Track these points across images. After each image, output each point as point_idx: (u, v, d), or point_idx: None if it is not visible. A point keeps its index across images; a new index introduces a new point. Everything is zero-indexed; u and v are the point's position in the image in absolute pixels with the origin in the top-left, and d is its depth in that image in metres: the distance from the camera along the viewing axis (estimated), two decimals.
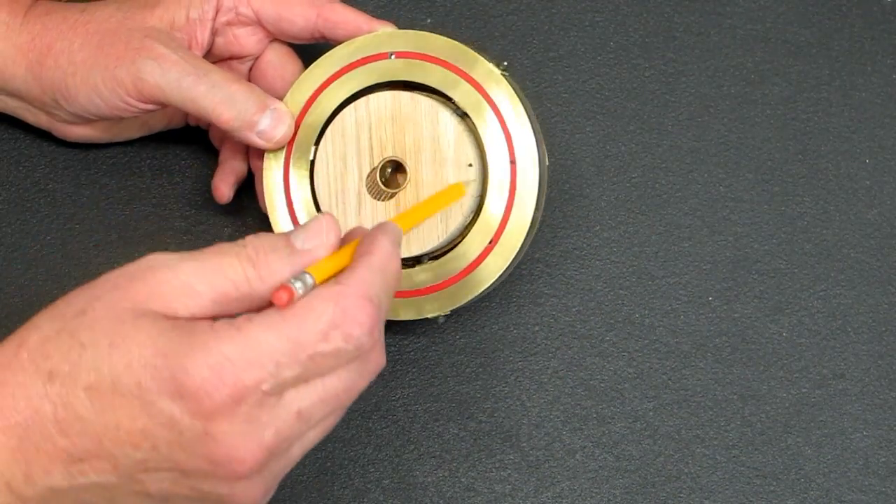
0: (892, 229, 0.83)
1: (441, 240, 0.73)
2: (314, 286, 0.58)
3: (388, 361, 0.80)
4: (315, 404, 0.59)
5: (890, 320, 0.81)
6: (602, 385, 0.80)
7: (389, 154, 0.74)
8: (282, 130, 0.74)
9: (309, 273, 0.58)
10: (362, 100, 0.74)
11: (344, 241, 0.63)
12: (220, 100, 0.73)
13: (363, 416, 0.79)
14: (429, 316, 0.74)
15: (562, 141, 0.85)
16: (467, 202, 0.73)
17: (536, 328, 0.81)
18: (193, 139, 0.82)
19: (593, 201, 0.84)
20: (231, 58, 0.79)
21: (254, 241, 0.60)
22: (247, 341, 0.56)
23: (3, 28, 0.76)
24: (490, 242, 0.74)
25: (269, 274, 0.59)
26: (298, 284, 0.58)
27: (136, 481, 0.58)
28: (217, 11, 0.76)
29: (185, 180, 0.83)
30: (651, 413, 0.79)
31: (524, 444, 0.78)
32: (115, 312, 0.57)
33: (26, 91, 0.77)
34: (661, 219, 0.83)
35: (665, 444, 0.78)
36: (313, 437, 0.61)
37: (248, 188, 0.81)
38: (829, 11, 0.88)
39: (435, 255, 0.74)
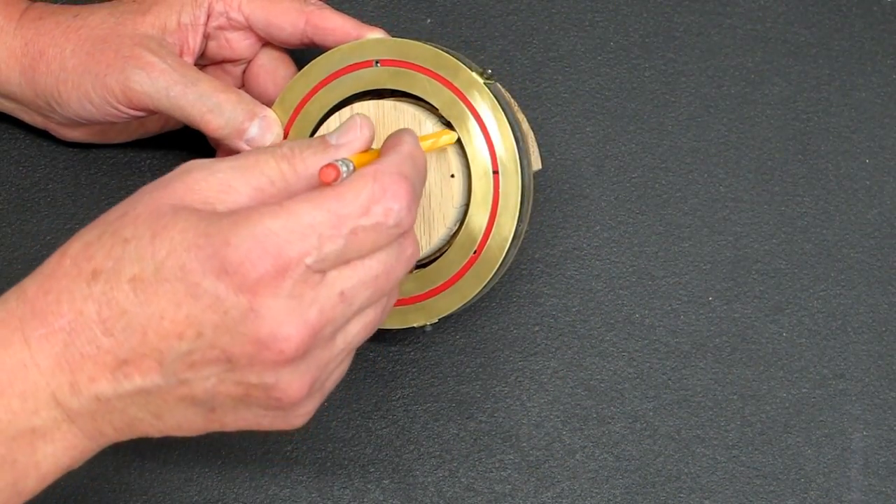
0: (892, 229, 0.83)
1: (425, 250, 0.73)
2: (354, 171, 0.60)
3: (388, 362, 0.80)
4: (356, 286, 0.60)
5: (890, 320, 0.81)
6: (602, 385, 0.80)
7: None
8: (270, 138, 0.74)
9: (350, 160, 0.60)
10: (347, 108, 0.74)
11: None
12: (207, 109, 0.73)
13: (363, 415, 0.79)
14: (415, 325, 0.74)
15: (562, 141, 0.85)
16: (450, 212, 0.73)
17: (536, 328, 0.81)
18: (193, 139, 0.82)
19: (593, 201, 0.84)
20: (224, 61, 0.79)
21: (290, 142, 0.62)
22: (290, 215, 0.58)
23: None
24: (474, 253, 0.73)
25: (304, 168, 0.61)
26: (343, 166, 0.59)
27: (181, 382, 0.58)
28: (208, 16, 0.76)
29: None
30: (651, 413, 0.79)
31: (524, 444, 0.78)
32: (155, 208, 0.59)
33: (21, 94, 0.77)
34: (661, 219, 0.83)
35: (665, 444, 0.78)
36: (355, 330, 0.61)
37: None
38: (829, 11, 0.88)
39: (420, 264, 0.74)
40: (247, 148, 0.74)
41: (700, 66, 0.87)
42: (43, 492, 0.62)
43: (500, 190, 0.73)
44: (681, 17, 0.88)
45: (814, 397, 0.79)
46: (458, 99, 0.73)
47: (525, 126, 0.76)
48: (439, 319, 0.74)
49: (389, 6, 0.87)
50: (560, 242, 0.83)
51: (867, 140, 0.85)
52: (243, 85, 0.80)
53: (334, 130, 0.64)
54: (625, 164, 0.84)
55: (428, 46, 0.74)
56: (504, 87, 0.75)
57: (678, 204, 0.84)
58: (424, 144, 0.72)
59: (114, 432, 0.60)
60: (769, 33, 0.87)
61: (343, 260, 0.59)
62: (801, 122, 0.85)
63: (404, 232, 0.61)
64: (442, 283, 0.73)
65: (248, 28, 0.77)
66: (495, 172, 0.73)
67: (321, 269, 0.58)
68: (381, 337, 0.76)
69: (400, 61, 0.74)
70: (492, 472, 0.78)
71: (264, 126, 0.74)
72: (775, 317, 0.81)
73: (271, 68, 0.78)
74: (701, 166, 0.84)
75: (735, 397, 0.79)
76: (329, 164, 0.59)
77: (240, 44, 0.78)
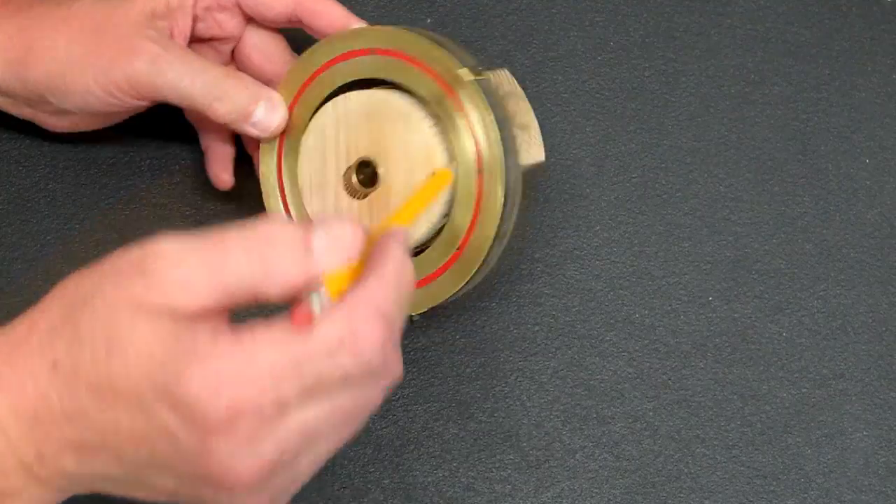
0: (892, 229, 0.83)
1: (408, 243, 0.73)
2: (329, 302, 0.56)
3: None
4: (321, 421, 0.56)
5: (890, 320, 0.81)
6: (602, 385, 0.80)
7: (363, 153, 0.74)
8: (276, 119, 0.74)
9: (326, 289, 0.56)
10: (342, 97, 0.74)
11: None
12: (214, 97, 0.73)
13: None
14: None
15: (562, 141, 0.85)
16: (434, 209, 0.73)
17: (536, 328, 0.81)
18: (193, 139, 0.82)
19: (593, 201, 0.84)
20: (212, 39, 0.79)
21: (267, 231, 0.56)
22: (247, 357, 0.54)
23: None
24: (457, 249, 0.72)
25: (278, 274, 0.56)
26: (316, 305, 0.55)
27: (142, 477, 0.57)
28: None
29: (185, 180, 0.83)
30: (651, 413, 0.79)
31: (524, 444, 0.78)
32: (114, 306, 0.56)
33: (6, 87, 0.76)
34: (661, 219, 0.83)
35: (665, 444, 0.78)
36: (324, 450, 0.58)
37: (248, 186, 0.81)
38: (829, 11, 0.88)
39: None
40: (254, 131, 0.74)
41: (700, 66, 0.87)
42: None
43: (484, 190, 0.72)
44: (681, 17, 0.88)
45: (814, 397, 0.80)
46: (445, 94, 0.72)
47: (525, 119, 0.76)
48: (424, 312, 0.74)
49: (389, 6, 0.88)
50: (560, 242, 0.83)
51: (867, 140, 0.85)
52: (233, 62, 0.80)
53: (323, 229, 0.57)
54: (625, 164, 0.84)
55: (423, 38, 0.73)
56: (470, 60, 0.74)
57: (678, 204, 0.84)
58: (423, 197, 0.71)
59: (82, 490, 0.60)
60: (769, 33, 0.87)
61: (305, 398, 0.55)
62: (801, 122, 0.85)
63: (377, 368, 0.56)
64: (423, 277, 0.73)
65: (236, 6, 0.77)
66: (479, 172, 0.72)
67: (280, 412, 0.55)
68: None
69: (395, 51, 0.74)
70: (492, 472, 0.78)
71: (269, 108, 0.74)
72: (775, 317, 0.81)
73: (264, 47, 0.79)
74: (701, 166, 0.84)
75: (735, 397, 0.79)
76: (302, 307, 0.55)
77: (228, 23, 0.77)
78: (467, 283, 0.73)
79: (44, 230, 0.82)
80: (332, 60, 0.75)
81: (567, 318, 0.81)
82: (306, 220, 0.75)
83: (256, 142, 0.77)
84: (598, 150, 0.85)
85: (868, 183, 0.84)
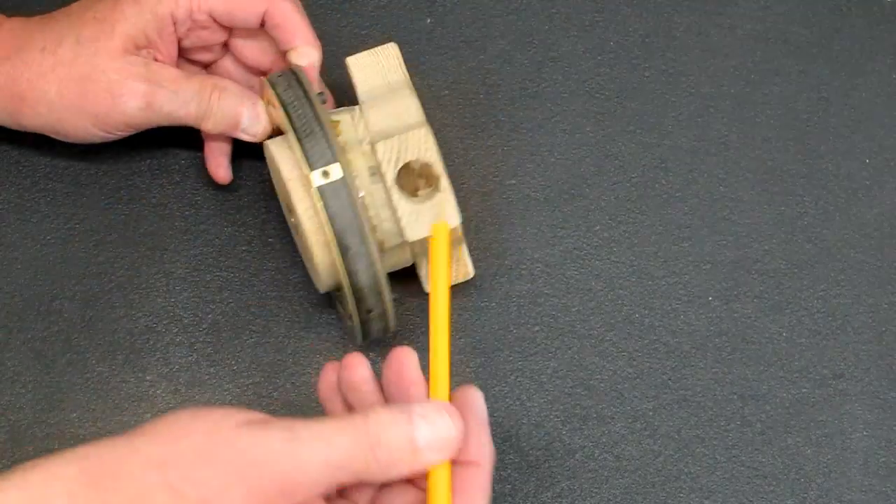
0: (892, 229, 0.83)
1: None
2: None
3: None
4: None
5: (890, 320, 0.81)
6: (602, 385, 0.80)
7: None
8: (260, 128, 0.78)
9: None
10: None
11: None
12: (202, 116, 0.77)
13: None
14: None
15: (562, 141, 0.85)
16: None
17: (536, 328, 0.81)
18: (193, 139, 0.82)
19: (593, 201, 0.84)
20: (201, 49, 0.80)
21: (376, 430, 0.59)
22: None
23: None
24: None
25: (389, 470, 0.60)
26: None
27: None
28: (175, 24, 0.77)
29: (185, 180, 0.83)
30: (651, 413, 0.79)
31: (524, 444, 0.78)
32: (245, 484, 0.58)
33: (7, 126, 0.79)
34: (661, 219, 0.83)
35: (665, 444, 0.78)
36: None
37: (247, 184, 0.81)
38: (829, 11, 0.88)
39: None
40: (246, 136, 0.78)
41: (700, 66, 0.87)
42: None
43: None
44: (681, 17, 0.88)
45: (814, 397, 0.79)
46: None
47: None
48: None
49: (389, 6, 0.88)
50: (560, 242, 0.83)
51: (867, 140, 0.85)
52: (228, 52, 0.81)
53: (422, 425, 0.60)
54: (625, 164, 0.84)
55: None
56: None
57: (678, 204, 0.84)
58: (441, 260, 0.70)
59: None
60: (769, 33, 0.87)
61: None
62: (801, 122, 0.85)
63: None
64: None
65: (213, 21, 0.78)
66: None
67: None
68: (381, 338, 0.76)
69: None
70: None
71: (252, 116, 0.77)
72: (775, 317, 0.81)
73: (256, 43, 0.80)
74: (701, 166, 0.84)
75: (735, 397, 0.79)
76: None
77: (211, 36, 0.79)
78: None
79: (44, 230, 0.82)
80: None
81: (567, 318, 0.81)
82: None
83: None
84: (598, 150, 0.85)
85: (868, 183, 0.84)
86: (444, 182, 0.72)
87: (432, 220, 0.72)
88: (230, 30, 0.80)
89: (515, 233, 0.83)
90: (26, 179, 0.83)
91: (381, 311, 0.73)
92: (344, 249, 0.70)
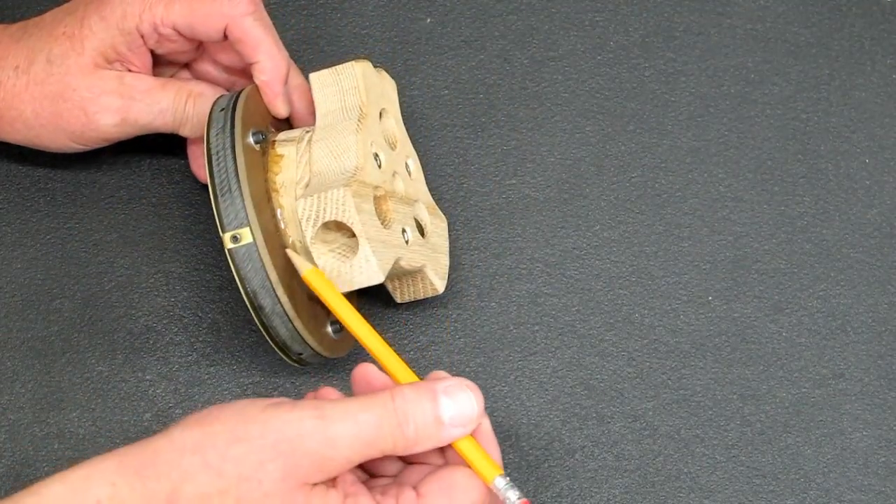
0: (892, 229, 0.83)
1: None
2: None
3: None
4: None
5: (889, 320, 0.81)
6: (601, 385, 0.80)
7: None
8: None
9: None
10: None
11: None
12: (178, 122, 0.77)
13: None
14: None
15: (562, 141, 0.85)
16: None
17: (536, 328, 0.81)
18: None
19: (593, 201, 0.84)
20: (177, 56, 0.80)
21: (402, 406, 0.61)
22: None
23: None
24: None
25: (414, 445, 0.61)
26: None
27: None
28: (143, 37, 0.77)
29: (185, 180, 0.83)
30: (651, 413, 0.79)
31: (523, 444, 0.78)
32: (285, 493, 0.59)
33: None
34: (661, 219, 0.83)
35: (665, 443, 0.78)
36: None
37: None
38: (829, 11, 0.88)
39: None
40: None
41: (700, 66, 0.87)
42: None
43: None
44: (681, 17, 0.88)
45: (813, 397, 0.79)
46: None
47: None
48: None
49: (389, 6, 0.88)
50: (560, 242, 0.83)
51: (867, 140, 0.85)
52: (204, 51, 0.81)
53: (448, 398, 0.62)
54: (625, 164, 0.84)
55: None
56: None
57: (678, 204, 0.84)
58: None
59: None
60: (769, 33, 0.87)
61: None
62: (801, 122, 0.85)
63: None
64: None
65: (179, 35, 0.77)
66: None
67: None
68: (382, 330, 0.76)
69: None
70: None
71: None
72: (775, 317, 0.81)
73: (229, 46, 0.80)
74: (701, 166, 0.84)
75: (735, 397, 0.79)
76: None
77: (182, 47, 0.79)
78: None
79: (44, 230, 0.82)
80: None
81: (567, 318, 0.81)
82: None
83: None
84: (598, 150, 0.85)
85: (868, 183, 0.84)
86: (363, 243, 0.71)
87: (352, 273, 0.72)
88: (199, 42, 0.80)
89: (515, 233, 0.83)
90: (26, 179, 0.83)
91: (311, 352, 0.73)
92: (258, 308, 0.71)
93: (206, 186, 0.82)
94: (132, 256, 0.82)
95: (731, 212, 0.83)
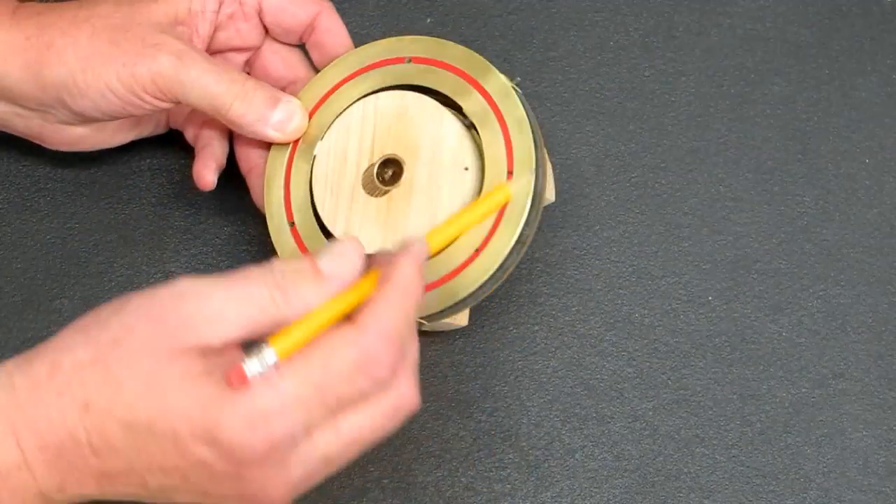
0: (892, 229, 0.83)
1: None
2: (274, 364, 0.59)
3: None
4: (342, 449, 0.61)
5: (889, 320, 0.81)
6: (602, 385, 0.80)
7: (389, 151, 0.74)
8: (296, 122, 0.76)
9: (270, 347, 0.59)
10: (371, 97, 0.75)
11: (372, 264, 0.64)
12: (235, 97, 0.74)
13: None
14: None
15: (562, 141, 0.85)
16: (457, 207, 0.72)
17: (536, 328, 0.81)
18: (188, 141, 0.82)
19: (593, 201, 0.84)
20: (230, 50, 0.79)
21: (280, 266, 0.61)
22: (276, 393, 0.58)
23: None
24: (475, 251, 0.72)
25: (296, 298, 0.61)
26: (256, 365, 0.59)
27: (164, 496, 0.61)
28: (221, 3, 0.76)
29: (185, 180, 0.83)
30: (651, 413, 0.79)
31: (524, 444, 0.78)
32: (150, 350, 0.59)
33: (19, 91, 0.75)
34: (661, 219, 0.83)
35: (665, 443, 0.78)
36: (335, 468, 0.63)
37: (246, 187, 0.81)
38: (829, 11, 0.88)
39: None
40: (273, 134, 0.75)
41: (700, 66, 0.87)
42: None
43: (511, 194, 0.72)
44: (681, 17, 0.88)
45: (813, 397, 0.79)
46: (483, 99, 0.73)
47: (543, 146, 0.75)
48: (433, 328, 0.74)
49: (389, 6, 0.88)
50: (560, 242, 0.83)
51: (867, 140, 0.85)
52: (250, 73, 0.81)
53: (325, 252, 0.63)
54: (625, 164, 0.84)
55: (462, 47, 0.74)
56: (504, 72, 0.75)
57: (678, 204, 0.84)
58: (480, 211, 0.71)
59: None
60: (769, 33, 0.87)
61: (329, 422, 0.60)
62: (801, 122, 0.85)
63: (393, 386, 0.61)
64: (439, 278, 0.73)
65: (258, 16, 0.77)
66: (509, 173, 0.72)
67: (307, 434, 0.60)
68: None
69: (432, 59, 0.75)
70: (491, 471, 0.78)
71: (288, 111, 0.75)
72: (775, 316, 0.81)
73: (285, 54, 0.80)
74: (701, 166, 0.84)
75: (735, 397, 0.79)
76: (237, 368, 0.58)
77: (249, 33, 0.78)
78: (483, 285, 0.73)
79: (44, 230, 0.82)
80: (363, 69, 0.76)
81: (567, 318, 0.81)
82: (310, 227, 0.76)
83: (252, 160, 0.78)
84: (598, 150, 0.85)
85: (868, 183, 0.84)
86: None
87: None
88: (264, 37, 0.79)
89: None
90: (26, 179, 0.83)
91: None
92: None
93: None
94: (132, 256, 0.82)
95: (731, 212, 0.83)
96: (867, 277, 0.82)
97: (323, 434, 0.60)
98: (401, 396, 0.62)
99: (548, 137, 0.85)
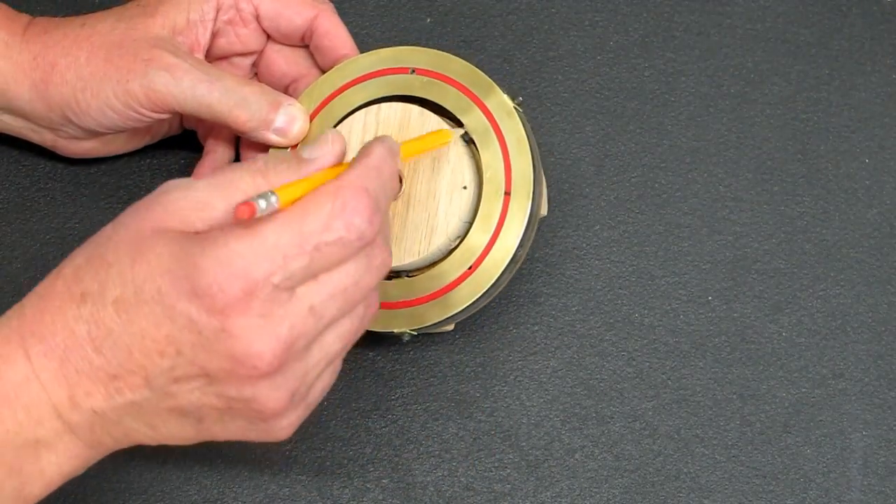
0: (891, 229, 0.83)
1: (421, 256, 0.73)
2: (277, 206, 0.60)
3: (387, 362, 0.80)
4: (325, 300, 0.61)
5: (889, 320, 0.81)
6: (601, 384, 0.80)
7: None
8: (298, 126, 0.76)
9: (274, 193, 0.60)
10: (374, 107, 0.75)
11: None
12: (234, 103, 0.74)
13: (362, 414, 0.79)
14: (395, 331, 0.74)
15: (562, 141, 0.85)
16: (454, 223, 0.73)
17: (536, 328, 0.81)
18: (193, 140, 0.82)
19: (593, 201, 0.84)
20: (233, 55, 0.79)
21: (264, 157, 0.63)
22: (255, 237, 0.59)
23: (3, 48, 0.76)
24: (469, 269, 0.73)
25: (277, 180, 0.62)
26: (262, 202, 0.60)
27: (168, 395, 0.61)
28: (217, 10, 0.76)
29: None
30: (650, 413, 0.79)
31: (523, 444, 0.78)
32: (136, 231, 0.61)
33: (30, 110, 0.77)
34: (661, 219, 0.83)
35: (664, 443, 0.78)
36: (331, 340, 0.63)
37: None
38: (829, 11, 0.88)
39: (412, 272, 0.74)
40: (275, 138, 0.76)
41: (700, 66, 0.87)
42: None
43: (508, 212, 0.73)
44: (681, 17, 0.88)
45: (813, 397, 0.79)
46: (485, 118, 0.74)
47: (540, 165, 0.76)
48: (419, 332, 0.74)
49: (389, 6, 0.88)
50: (560, 242, 0.83)
51: (867, 140, 0.85)
52: (255, 76, 0.81)
53: (308, 144, 0.65)
54: (625, 164, 0.84)
55: (466, 63, 0.75)
56: (506, 91, 0.75)
57: (678, 204, 0.84)
58: (421, 144, 0.72)
59: (112, 442, 0.63)
60: (769, 33, 0.87)
61: (310, 275, 0.61)
62: (800, 122, 0.85)
63: (369, 243, 0.62)
64: (431, 293, 0.73)
65: (256, 20, 0.77)
66: (507, 194, 0.73)
67: (289, 287, 0.60)
68: (379, 337, 0.76)
69: (435, 73, 0.75)
70: (491, 471, 0.78)
71: (290, 114, 0.75)
72: (775, 316, 0.81)
73: (289, 52, 0.80)
74: (701, 166, 0.84)
75: (734, 397, 0.79)
76: (245, 203, 0.59)
77: (249, 37, 0.78)
78: (476, 300, 0.73)
79: (44, 230, 0.82)
80: (366, 75, 0.76)
81: (566, 318, 0.81)
82: None
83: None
84: (598, 150, 0.85)
85: (868, 183, 0.84)
86: None
87: None
88: (266, 41, 0.79)
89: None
90: (26, 179, 0.83)
91: None
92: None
93: None
94: None
95: (731, 212, 0.83)
96: (867, 277, 0.82)
97: (306, 288, 0.61)
98: (375, 247, 0.63)
99: (548, 137, 0.85)
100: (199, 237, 0.60)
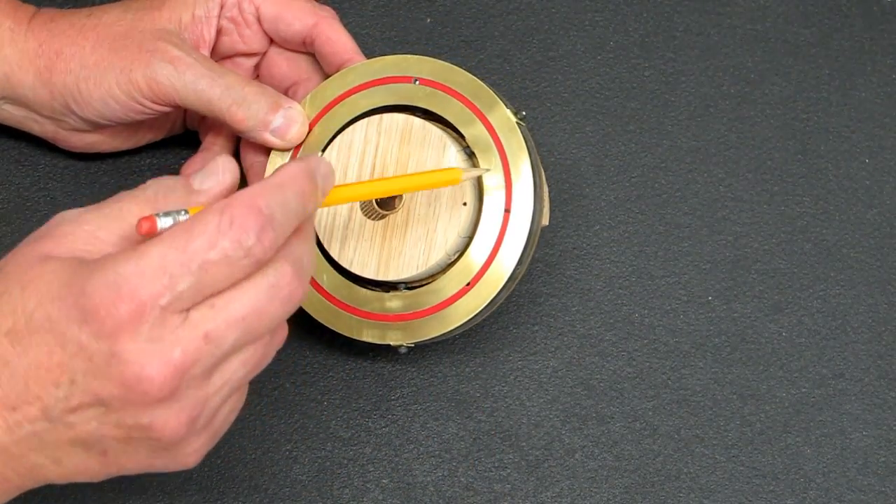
0: (891, 229, 0.83)
1: (419, 270, 0.73)
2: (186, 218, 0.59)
3: (387, 361, 0.80)
4: (221, 327, 0.59)
5: (889, 320, 0.81)
6: (601, 384, 0.80)
7: (390, 175, 0.74)
8: (296, 129, 0.76)
9: (185, 211, 0.60)
10: (376, 117, 0.75)
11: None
12: (233, 101, 0.74)
13: (362, 414, 0.79)
14: (391, 343, 0.74)
15: (562, 141, 0.85)
16: (453, 239, 0.73)
17: (536, 328, 0.81)
18: (193, 140, 0.82)
19: (593, 201, 0.84)
20: (236, 55, 0.79)
21: (154, 184, 0.62)
22: (140, 258, 0.57)
23: (8, 35, 0.77)
24: (467, 285, 0.73)
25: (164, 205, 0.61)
26: (164, 217, 0.59)
27: (66, 425, 0.59)
28: (221, 8, 0.77)
29: None
30: (650, 413, 0.79)
31: (523, 444, 0.78)
32: (26, 260, 0.60)
33: (34, 98, 0.77)
34: (661, 219, 0.83)
35: (664, 443, 0.78)
36: (235, 367, 0.61)
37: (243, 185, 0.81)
38: (829, 11, 0.88)
39: (411, 285, 0.74)
40: (273, 140, 0.76)
41: (700, 66, 0.87)
42: (41, 490, 0.62)
43: (508, 229, 0.73)
44: (681, 17, 0.88)
45: (813, 397, 0.79)
46: (487, 132, 0.73)
47: (542, 178, 0.76)
48: (416, 345, 0.74)
49: (389, 6, 0.88)
50: (560, 242, 0.83)
51: (867, 140, 0.85)
52: (259, 75, 0.81)
53: (199, 172, 0.63)
54: (625, 164, 0.84)
55: (470, 75, 0.74)
56: (504, 91, 0.75)
57: (678, 204, 0.84)
58: (427, 180, 0.71)
59: (18, 479, 0.61)
60: (769, 33, 0.87)
61: (200, 297, 0.58)
62: (800, 122, 0.85)
63: (260, 261, 0.59)
64: (428, 307, 0.73)
65: (258, 22, 0.78)
66: (507, 211, 0.73)
67: (179, 310, 0.58)
68: (376, 345, 0.76)
69: (439, 84, 0.75)
70: (491, 471, 0.78)
71: (289, 117, 0.75)
72: (775, 316, 0.81)
73: (292, 55, 0.80)
74: (701, 166, 0.84)
75: (734, 397, 0.79)
76: (146, 217, 0.59)
77: (253, 38, 0.78)
78: (473, 317, 0.74)
79: None
80: (371, 82, 0.76)
81: (566, 318, 0.81)
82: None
83: (257, 160, 0.78)
84: (598, 150, 0.85)
85: (868, 183, 0.84)
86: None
87: None
88: (269, 41, 0.79)
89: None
90: (26, 179, 0.83)
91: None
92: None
93: None
94: None
95: (731, 212, 0.83)
96: (867, 277, 0.82)
97: (198, 310, 0.58)
98: (280, 275, 0.60)
99: (548, 137, 0.85)
100: (88, 263, 0.58)
